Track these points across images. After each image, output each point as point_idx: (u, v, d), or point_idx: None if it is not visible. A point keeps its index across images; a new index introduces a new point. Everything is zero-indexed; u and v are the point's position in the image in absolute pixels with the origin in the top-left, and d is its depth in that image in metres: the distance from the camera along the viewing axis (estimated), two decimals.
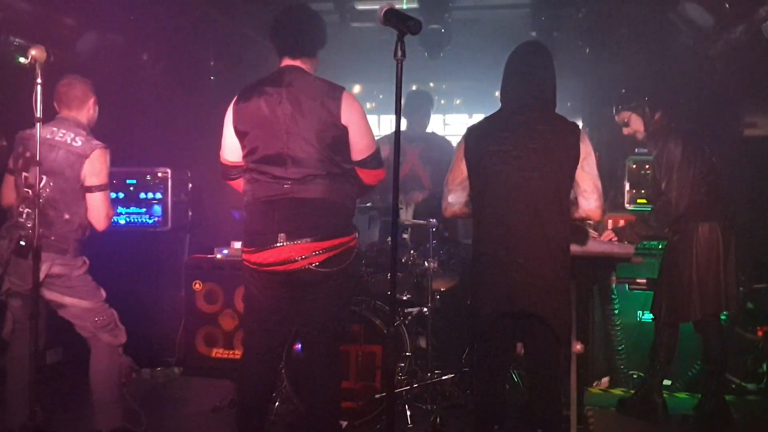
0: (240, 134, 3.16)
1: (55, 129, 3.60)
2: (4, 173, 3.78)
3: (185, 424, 4.22)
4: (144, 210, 5.32)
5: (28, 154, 3.57)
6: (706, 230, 3.83)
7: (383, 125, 7.56)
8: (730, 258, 3.85)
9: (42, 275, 3.48)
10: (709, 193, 3.85)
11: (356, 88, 7.27)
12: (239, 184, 3.29)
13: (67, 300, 3.62)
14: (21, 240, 3.45)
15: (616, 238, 3.77)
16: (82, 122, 3.71)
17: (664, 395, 4.09)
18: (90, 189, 3.60)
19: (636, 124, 4.04)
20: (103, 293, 3.74)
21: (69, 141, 3.57)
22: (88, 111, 3.74)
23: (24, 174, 3.59)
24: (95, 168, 3.59)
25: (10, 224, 3.63)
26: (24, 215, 3.57)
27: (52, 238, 3.55)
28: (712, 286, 3.80)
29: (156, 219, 5.34)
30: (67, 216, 3.59)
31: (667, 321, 3.94)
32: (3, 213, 3.77)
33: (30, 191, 3.49)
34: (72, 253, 3.63)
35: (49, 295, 3.59)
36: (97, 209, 3.63)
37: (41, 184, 3.50)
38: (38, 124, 3.15)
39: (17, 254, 3.49)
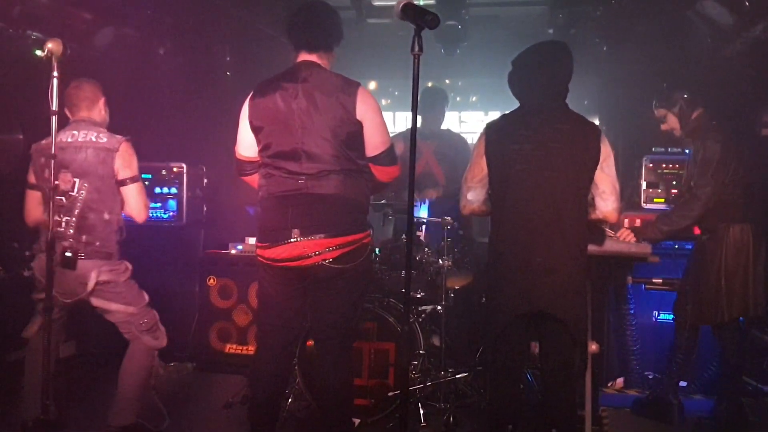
0: (255, 129, 3.15)
1: (75, 132, 3.61)
2: (24, 186, 3.75)
3: (198, 420, 4.22)
4: (159, 205, 5.33)
5: (51, 163, 3.47)
6: (737, 232, 3.77)
7: (398, 122, 7.54)
8: (760, 261, 3.79)
9: (91, 284, 3.54)
10: (743, 195, 3.78)
11: (371, 85, 7.25)
12: (254, 180, 3.29)
13: (114, 306, 3.64)
14: (66, 251, 3.46)
15: (632, 236, 3.71)
16: (97, 122, 3.72)
17: (680, 397, 4.05)
18: (124, 182, 3.62)
19: (672, 122, 3.99)
20: (146, 297, 3.77)
21: (94, 139, 3.58)
22: (99, 111, 3.75)
23: (55, 183, 3.54)
24: (126, 160, 3.61)
25: (48, 237, 3.51)
26: (63, 224, 3.54)
27: (97, 243, 3.57)
28: (739, 289, 3.74)
29: (171, 214, 5.36)
30: (107, 216, 3.60)
31: (692, 323, 3.90)
32: (34, 229, 3.76)
33: (64, 198, 3.51)
34: (116, 256, 3.66)
35: (96, 302, 3.62)
36: (135, 200, 3.65)
37: (75, 189, 3.53)
38: (54, 117, 3.15)
39: (64, 266, 3.49)
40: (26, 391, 3.62)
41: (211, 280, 5.20)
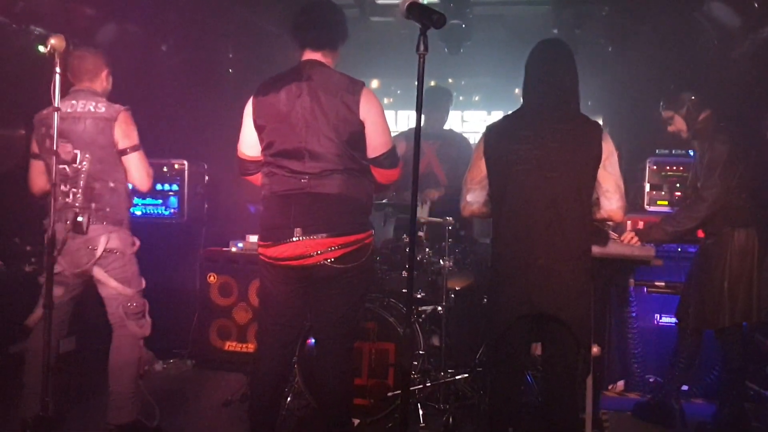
0: (259, 128, 3.14)
1: (74, 102, 3.58)
2: (28, 160, 3.77)
3: (196, 418, 4.21)
4: (160, 201, 5.33)
5: (52, 132, 3.53)
6: (742, 236, 3.74)
7: (401, 121, 7.52)
8: (765, 266, 3.76)
9: (100, 250, 3.54)
10: (749, 199, 3.76)
11: (374, 83, 7.23)
12: (257, 178, 3.27)
13: (112, 283, 3.62)
14: (78, 216, 3.44)
15: (636, 240, 3.69)
16: (98, 92, 3.70)
17: (681, 401, 4.04)
18: (125, 151, 3.60)
19: (679, 124, 3.97)
20: (143, 283, 3.76)
21: (92, 109, 3.56)
22: (101, 83, 3.73)
23: (56, 151, 3.56)
24: (125, 130, 3.59)
25: (58, 207, 3.51)
26: (70, 195, 3.54)
27: (107, 209, 3.58)
28: (743, 294, 3.72)
29: (172, 211, 5.35)
30: (112, 184, 3.60)
31: (694, 327, 3.88)
32: (36, 224, 3.75)
33: (67, 167, 3.50)
34: (126, 224, 3.67)
35: (98, 273, 3.60)
36: (137, 169, 3.64)
37: (78, 160, 3.51)
38: (56, 113, 3.14)
39: (76, 231, 3.47)
40: (26, 387, 3.61)
41: (212, 278, 5.19)
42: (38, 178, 3.72)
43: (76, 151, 3.53)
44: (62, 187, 3.56)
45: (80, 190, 3.54)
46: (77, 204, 3.53)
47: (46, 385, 3.22)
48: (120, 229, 3.63)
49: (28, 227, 4.76)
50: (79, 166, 3.53)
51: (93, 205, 3.55)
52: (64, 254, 3.55)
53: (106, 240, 3.56)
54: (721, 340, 3.86)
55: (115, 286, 3.63)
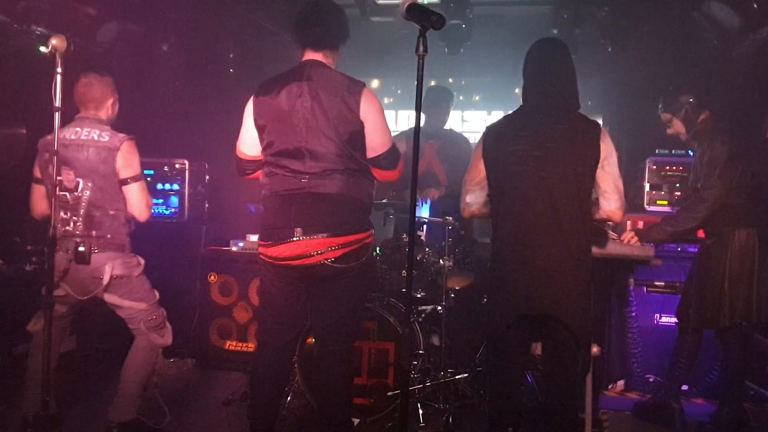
0: (259, 128, 3.15)
1: (78, 129, 3.60)
2: (30, 183, 3.76)
3: (197, 417, 4.22)
4: (161, 201, 5.33)
5: (54, 159, 3.48)
6: (743, 236, 3.74)
7: (401, 121, 7.53)
8: (765, 266, 3.76)
9: (106, 278, 3.54)
10: (749, 199, 3.75)
11: (374, 83, 7.24)
12: (257, 175, 3.28)
13: (126, 303, 3.65)
14: (79, 246, 3.47)
15: (636, 239, 3.69)
16: (103, 119, 3.71)
17: (681, 401, 4.04)
18: (126, 181, 3.61)
19: (678, 127, 3.97)
20: (157, 294, 3.78)
21: (96, 138, 3.57)
22: (107, 110, 3.74)
23: (58, 179, 3.50)
24: (127, 160, 3.60)
25: (59, 236, 3.48)
26: (71, 223, 3.56)
27: (108, 236, 3.59)
28: (743, 294, 3.72)
29: (173, 210, 5.35)
30: (112, 212, 3.60)
31: (694, 326, 3.88)
32: (36, 223, 3.76)
33: (68, 195, 3.52)
34: (128, 249, 3.67)
35: (109, 298, 3.63)
36: (137, 200, 3.64)
37: (79, 188, 3.53)
38: (57, 114, 3.14)
39: (78, 261, 3.50)
40: (28, 386, 3.62)
41: (212, 277, 5.19)
42: (39, 202, 3.72)
43: (78, 179, 3.54)
44: (62, 215, 3.56)
45: (80, 218, 3.54)
46: (77, 232, 3.54)
47: (47, 384, 3.23)
48: (123, 254, 3.64)
49: (29, 226, 4.77)
50: (80, 194, 3.53)
51: (94, 232, 3.55)
52: (70, 282, 3.58)
53: (111, 268, 3.56)
54: (721, 340, 3.87)
55: (130, 305, 3.65)
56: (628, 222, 4.63)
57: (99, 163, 3.55)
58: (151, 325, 3.70)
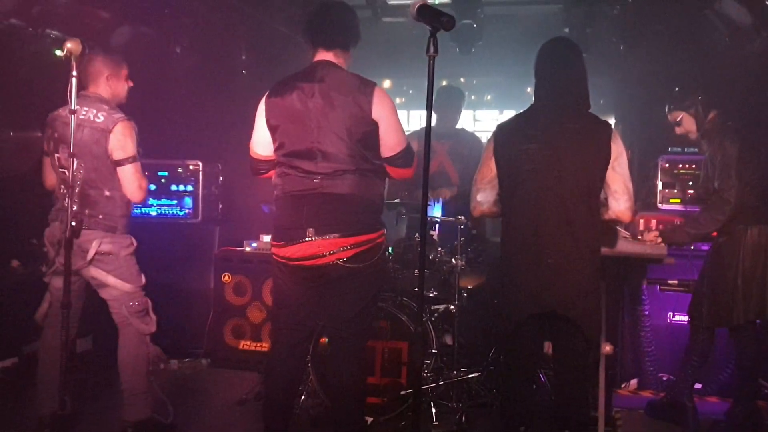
0: (271, 128, 3.17)
1: (78, 107, 3.61)
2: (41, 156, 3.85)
3: (211, 416, 4.25)
4: (175, 202, 5.38)
5: (56, 135, 3.62)
6: (755, 234, 3.73)
7: (413, 121, 7.54)
8: None
9: (91, 253, 3.56)
10: (761, 196, 3.73)
11: (386, 83, 7.25)
12: (271, 176, 3.30)
13: (111, 280, 3.64)
14: (71, 221, 3.46)
15: (660, 240, 3.68)
16: (105, 97, 3.69)
17: (695, 399, 4.03)
18: (119, 162, 3.60)
19: (688, 125, 3.94)
20: (143, 280, 3.77)
21: (92, 118, 3.58)
22: (105, 87, 3.71)
23: (56, 155, 3.63)
24: (120, 141, 3.58)
25: (57, 207, 3.67)
26: (67, 199, 3.55)
27: (100, 216, 3.60)
28: (756, 291, 3.70)
29: (187, 211, 5.40)
30: (107, 193, 3.62)
31: (707, 324, 3.87)
32: (48, 194, 3.83)
33: (65, 171, 3.53)
34: (120, 230, 3.68)
35: (95, 272, 3.62)
36: (129, 181, 3.62)
37: (74, 166, 3.54)
38: (72, 116, 3.18)
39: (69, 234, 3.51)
40: (40, 385, 3.66)
41: (226, 277, 5.22)
42: (50, 174, 3.78)
43: (74, 153, 3.57)
44: (62, 190, 3.62)
45: (76, 196, 3.54)
46: (73, 208, 3.56)
47: (63, 383, 3.26)
48: (113, 235, 3.64)
49: (45, 228, 4.83)
50: (75, 173, 3.52)
51: (87, 211, 3.57)
52: (61, 254, 3.57)
53: (98, 244, 3.58)
54: (735, 337, 3.85)
55: (114, 283, 3.64)
56: (641, 221, 4.63)
57: (92, 143, 3.56)
58: (133, 310, 3.68)
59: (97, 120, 3.58)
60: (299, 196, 3.11)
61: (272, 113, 3.16)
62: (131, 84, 3.86)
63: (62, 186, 3.62)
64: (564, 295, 2.94)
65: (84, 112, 3.58)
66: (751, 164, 3.71)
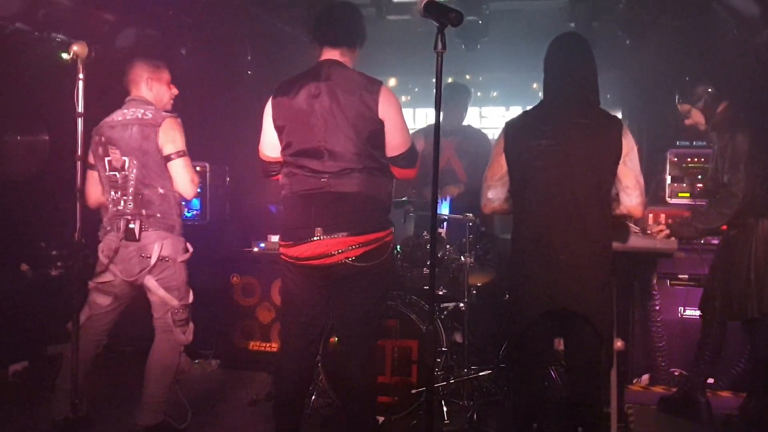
0: (278, 128, 3.17)
1: (125, 110, 3.66)
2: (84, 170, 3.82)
3: (223, 417, 4.26)
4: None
5: (103, 140, 3.61)
6: (766, 226, 3.70)
7: (418, 118, 7.53)
8: None
9: (154, 257, 3.55)
10: None
11: (391, 81, 7.25)
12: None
13: (161, 293, 3.64)
14: (130, 223, 3.51)
15: (668, 232, 3.66)
16: (149, 99, 3.74)
17: (708, 394, 4.00)
18: (169, 157, 3.60)
19: (697, 117, 3.92)
20: (191, 297, 3.76)
21: (140, 116, 3.61)
22: (148, 89, 3.75)
23: (107, 159, 3.61)
24: (169, 135, 3.60)
25: (111, 216, 3.62)
26: (121, 203, 3.58)
27: (158, 215, 3.60)
28: None
29: (194, 212, 5.40)
30: (161, 190, 3.61)
31: (720, 319, 3.84)
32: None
33: (117, 174, 3.55)
34: (178, 230, 3.68)
35: (149, 282, 3.61)
36: (181, 176, 3.62)
37: (126, 167, 3.55)
38: (80, 119, 3.19)
39: (128, 238, 3.54)
40: (58, 389, 3.64)
41: (235, 278, 5.23)
42: (93, 189, 3.72)
43: (124, 158, 3.58)
44: (113, 195, 3.60)
45: (130, 197, 3.57)
46: (128, 210, 3.57)
47: (75, 386, 3.27)
48: (172, 235, 3.65)
49: (54, 232, 4.84)
50: (128, 173, 3.56)
51: (144, 211, 3.57)
52: (117, 263, 3.59)
53: (159, 247, 3.57)
54: (749, 331, 3.83)
55: (163, 296, 3.64)
56: (650, 215, 4.60)
57: (142, 140, 3.57)
58: (177, 318, 3.67)
59: (146, 117, 3.61)
60: (307, 196, 3.11)
61: (279, 113, 3.16)
62: (176, 91, 3.90)
63: (113, 191, 3.59)
64: (576, 291, 2.93)
65: (132, 113, 3.63)
66: (762, 157, 3.68)
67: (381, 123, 3.06)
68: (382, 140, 3.09)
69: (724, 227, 3.87)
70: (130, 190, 3.57)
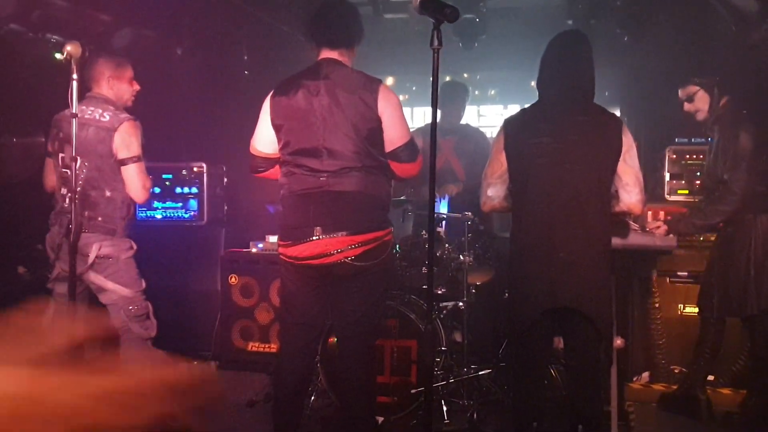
0: (276, 127, 3.15)
1: (84, 107, 3.60)
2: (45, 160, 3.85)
3: (221, 418, 4.23)
4: (180, 204, 5.36)
5: (61, 135, 3.61)
6: (765, 222, 3.69)
7: (417, 117, 7.51)
8: None
9: (92, 257, 3.55)
10: None
11: (389, 80, 7.23)
12: (271, 173, 3.28)
13: (110, 285, 3.63)
14: (70, 224, 3.47)
15: (665, 228, 3.65)
16: (110, 98, 3.70)
17: (708, 391, 3.99)
18: (123, 162, 3.59)
19: (701, 102, 3.86)
20: (143, 284, 3.76)
21: (97, 117, 3.58)
22: (108, 89, 3.71)
23: (60, 155, 3.62)
24: (125, 140, 3.58)
25: (57, 211, 3.67)
26: (68, 200, 3.56)
27: (99, 219, 3.59)
28: None
29: (192, 213, 5.38)
30: (108, 193, 3.61)
31: (719, 315, 3.83)
32: (50, 198, 3.83)
33: (68, 171, 3.51)
34: (120, 233, 3.67)
35: (94, 278, 3.62)
36: (133, 181, 3.62)
37: (77, 165, 3.52)
38: (74, 120, 3.17)
39: (67, 236, 3.50)
40: None
41: (233, 279, 5.21)
42: (50, 176, 3.77)
43: (77, 157, 3.54)
44: (62, 191, 3.61)
45: (77, 197, 3.53)
46: (72, 210, 3.54)
47: None
48: (112, 238, 3.63)
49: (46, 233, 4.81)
50: (79, 172, 3.52)
51: (86, 213, 3.56)
52: (62, 257, 3.59)
53: (98, 248, 3.57)
54: (749, 328, 3.82)
55: (113, 288, 3.63)
56: (649, 212, 4.59)
57: (97, 143, 3.56)
58: (132, 314, 3.66)
59: (103, 119, 3.58)
60: (305, 195, 3.09)
61: (277, 112, 3.14)
62: (137, 87, 3.85)
63: (63, 187, 3.60)
64: (577, 289, 2.92)
65: (90, 112, 3.59)
66: (762, 154, 3.67)
67: (380, 121, 3.05)
68: (381, 138, 3.08)
69: (721, 224, 3.86)
70: (78, 189, 3.53)
